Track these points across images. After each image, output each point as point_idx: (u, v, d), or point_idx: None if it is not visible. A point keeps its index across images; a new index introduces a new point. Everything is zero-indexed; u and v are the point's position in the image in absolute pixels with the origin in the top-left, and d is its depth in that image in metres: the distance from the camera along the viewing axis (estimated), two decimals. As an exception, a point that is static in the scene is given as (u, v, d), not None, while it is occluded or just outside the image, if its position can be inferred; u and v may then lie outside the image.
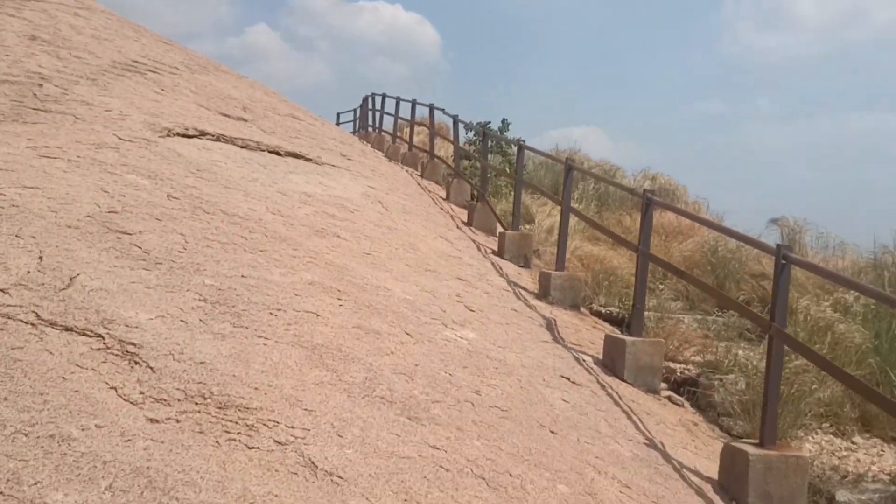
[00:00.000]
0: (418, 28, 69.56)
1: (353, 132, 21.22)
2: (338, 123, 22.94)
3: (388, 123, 16.88)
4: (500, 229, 9.08)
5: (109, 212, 4.98)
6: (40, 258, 4.00)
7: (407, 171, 12.31)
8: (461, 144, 12.29)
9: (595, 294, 8.77)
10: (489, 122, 15.08)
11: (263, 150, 8.86)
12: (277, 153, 8.95)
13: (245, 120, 11.26)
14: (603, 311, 8.51)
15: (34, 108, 7.63)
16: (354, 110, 21.93)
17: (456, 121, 11.62)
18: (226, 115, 11.12)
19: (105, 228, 4.64)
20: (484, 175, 10.30)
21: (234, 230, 5.30)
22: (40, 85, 8.63)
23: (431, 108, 12.90)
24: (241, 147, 8.67)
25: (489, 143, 10.85)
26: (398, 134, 15.40)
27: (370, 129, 18.04)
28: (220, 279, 4.41)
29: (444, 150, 14.36)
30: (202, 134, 8.48)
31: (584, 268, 9.24)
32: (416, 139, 14.70)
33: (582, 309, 8.19)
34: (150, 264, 4.31)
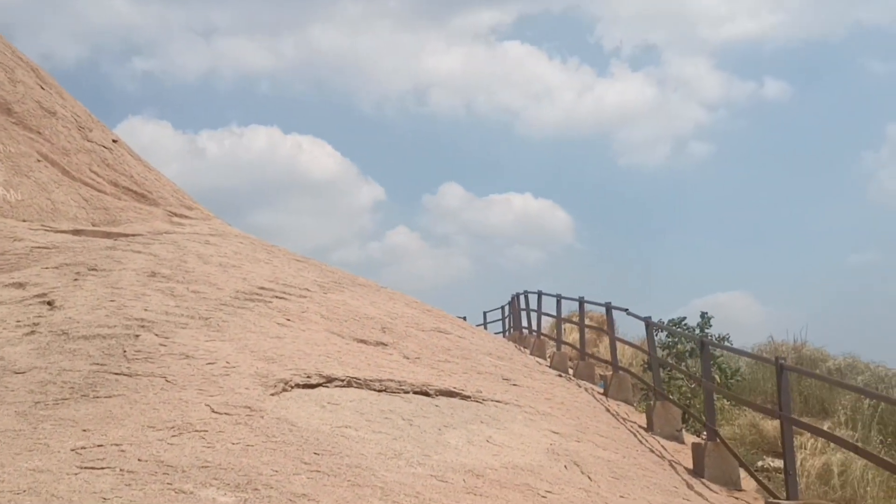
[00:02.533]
0: (550, 213, 69.82)
1: (503, 332, 19.05)
2: (484, 324, 20.90)
3: (545, 321, 14.58)
4: (759, 489, 6.07)
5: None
6: None
7: (586, 389, 9.80)
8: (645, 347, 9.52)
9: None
10: (684, 319, 11.99)
11: (408, 392, 6.68)
12: (426, 393, 6.74)
13: (384, 344, 9.28)
14: None
15: (116, 374, 5.84)
16: (502, 308, 19.85)
17: (650, 325, 8.98)
18: (362, 342, 9.19)
19: None
20: (710, 402, 7.27)
21: None
22: (137, 335, 6.98)
23: (608, 307, 10.33)
24: (380, 391, 6.53)
25: (703, 353, 7.77)
26: (562, 337, 12.83)
27: (525, 331, 15.71)
28: None
29: (624, 355, 11.73)
30: (329, 381, 6.43)
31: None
32: (587, 341, 12.05)
33: None
34: None
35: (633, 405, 9.66)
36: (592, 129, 74.44)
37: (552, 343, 13.09)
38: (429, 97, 75.49)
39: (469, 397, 6.84)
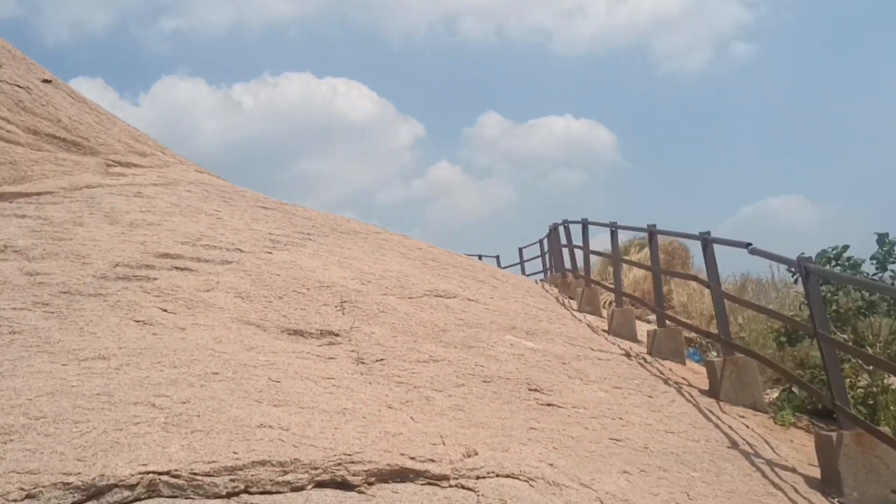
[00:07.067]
0: (592, 132, 64.86)
1: (544, 272, 15.00)
2: (521, 263, 16.79)
3: (595, 259, 10.27)
4: None
5: None
6: None
7: (679, 386, 5.64)
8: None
9: None
10: (846, 250, 6.68)
11: (303, 485, 2.86)
12: (346, 484, 2.90)
13: (334, 334, 5.48)
14: None
15: None
16: (540, 241, 15.57)
17: (810, 271, 4.32)
18: (295, 333, 5.42)
19: None
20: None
21: None
22: None
23: (706, 241, 5.99)
24: (228, 497, 2.71)
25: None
26: (622, 287, 8.20)
27: (569, 275, 11.33)
28: None
29: (738, 316, 7.05)
30: (92, 495, 2.62)
31: None
32: (665, 290, 7.33)
33: None
34: None
35: (765, 411, 5.45)
36: (629, 40, 68.59)
37: (608, 292, 8.93)
38: (458, 25, 70.21)
39: (445, 478, 2.98)
